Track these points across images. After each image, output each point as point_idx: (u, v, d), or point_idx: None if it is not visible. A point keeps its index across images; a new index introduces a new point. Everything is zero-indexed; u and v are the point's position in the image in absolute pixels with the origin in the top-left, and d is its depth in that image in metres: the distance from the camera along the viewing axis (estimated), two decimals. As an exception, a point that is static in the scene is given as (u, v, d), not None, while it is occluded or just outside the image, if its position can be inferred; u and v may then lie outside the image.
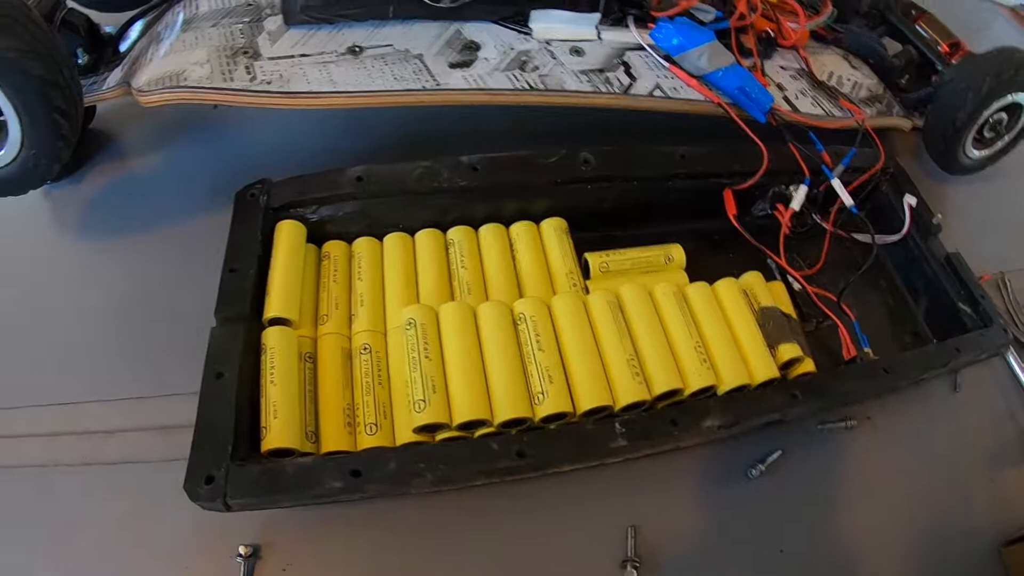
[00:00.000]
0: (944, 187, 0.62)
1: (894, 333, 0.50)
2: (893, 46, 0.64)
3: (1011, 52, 0.55)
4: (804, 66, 0.55)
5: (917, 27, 0.63)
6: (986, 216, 0.61)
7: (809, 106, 0.52)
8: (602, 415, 0.38)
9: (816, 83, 0.54)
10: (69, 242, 0.49)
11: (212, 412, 0.34)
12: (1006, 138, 0.59)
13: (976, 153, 0.59)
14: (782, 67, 0.54)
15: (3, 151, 0.43)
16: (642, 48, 0.50)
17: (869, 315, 0.49)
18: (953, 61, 0.60)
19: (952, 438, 0.47)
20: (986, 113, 0.55)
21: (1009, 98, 0.55)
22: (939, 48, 0.61)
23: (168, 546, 0.37)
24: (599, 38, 0.50)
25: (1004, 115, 0.57)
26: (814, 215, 0.49)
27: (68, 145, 0.44)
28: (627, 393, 0.38)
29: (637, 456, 0.36)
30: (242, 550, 0.37)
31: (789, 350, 0.42)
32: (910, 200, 0.51)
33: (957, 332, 0.47)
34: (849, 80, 0.57)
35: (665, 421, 0.37)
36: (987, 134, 0.58)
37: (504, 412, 0.36)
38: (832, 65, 0.57)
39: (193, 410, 0.34)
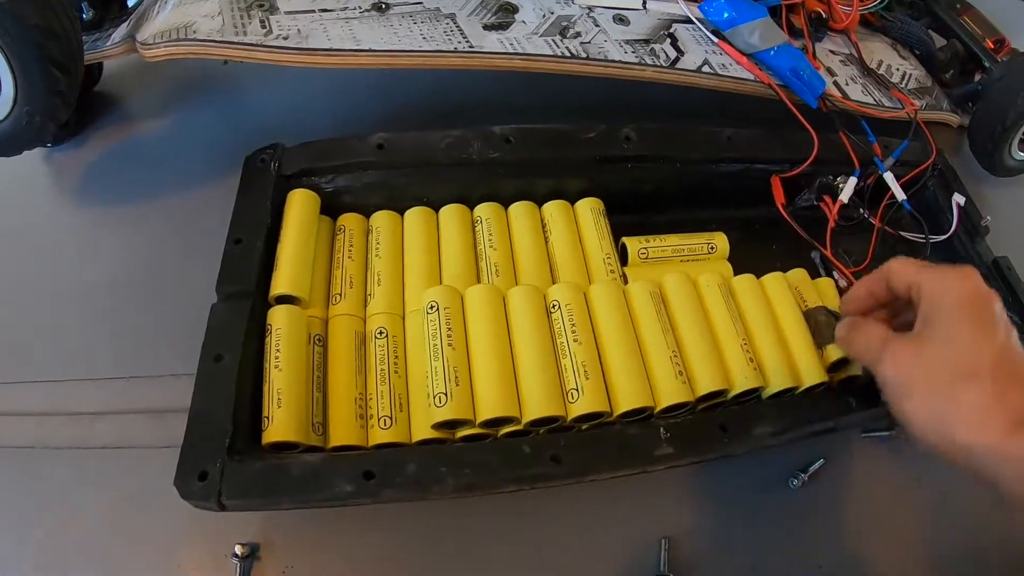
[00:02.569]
0: (985, 188, 0.56)
1: (939, 338, 0.45)
2: (936, 40, 0.58)
3: (1066, 50, 0.49)
4: (854, 52, 0.49)
5: (962, 21, 0.58)
6: (1027, 221, 0.55)
7: (860, 94, 0.47)
8: (639, 417, 0.32)
9: (866, 70, 0.48)
10: (69, 209, 0.44)
11: (209, 399, 0.29)
12: (1055, 140, 0.54)
13: (1023, 155, 0.54)
14: (832, 51, 0.48)
15: (-5, 107, 0.37)
16: (690, 21, 0.44)
17: (913, 318, 0.43)
18: (1000, 58, 0.54)
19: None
20: (1037, 112, 0.50)
21: (1062, 98, 0.49)
22: (985, 44, 0.56)
23: (160, 540, 0.32)
24: (644, 8, 0.44)
25: (1055, 115, 0.51)
26: (862, 209, 0.44)
27: (66, 103, 0.38)
28: (669, 394, 0.32)
29: (682, 464, 0.31)
30: (238, 550, 0.32)
31: (837, 351, 0.37)
32: (959, 199, 0.45)
33: (1005, 340, 0.42)
34: (898, 70, 0.51)
35: (714, 427, 0.31)
36: (1035, 135, 0.52)
37: (534, 410, 0.30)
38: (881, 53, 0.51)
39: (190, 393, 0.29)
